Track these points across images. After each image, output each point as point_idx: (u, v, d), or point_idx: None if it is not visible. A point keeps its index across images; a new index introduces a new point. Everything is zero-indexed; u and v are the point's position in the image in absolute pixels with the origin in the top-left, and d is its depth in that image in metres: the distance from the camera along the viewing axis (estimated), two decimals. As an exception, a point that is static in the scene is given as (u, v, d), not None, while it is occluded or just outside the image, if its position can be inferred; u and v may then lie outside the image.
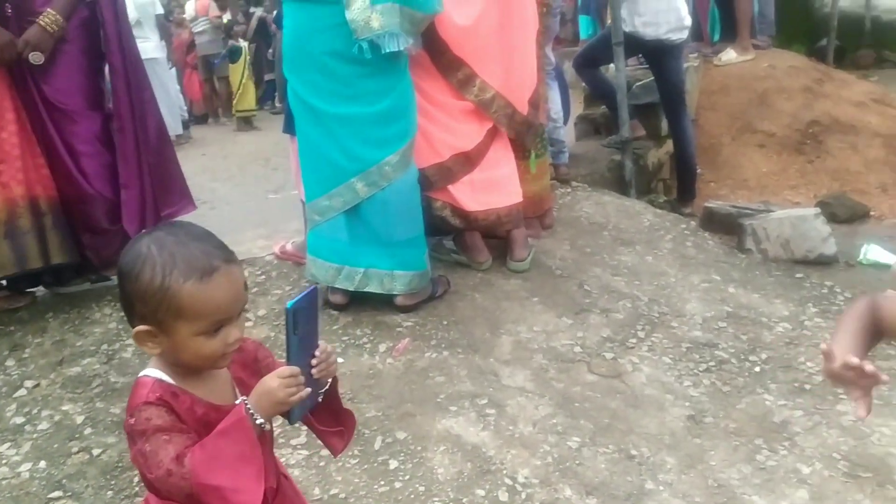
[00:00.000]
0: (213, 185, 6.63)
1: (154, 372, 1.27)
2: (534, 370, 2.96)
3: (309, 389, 1.22)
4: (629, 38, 4.91)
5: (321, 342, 1.28)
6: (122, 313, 1.31)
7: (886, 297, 1.40)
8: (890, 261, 4.45)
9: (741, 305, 3.57)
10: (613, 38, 4.91)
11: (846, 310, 1.44)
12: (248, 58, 11.06)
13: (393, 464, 2.40)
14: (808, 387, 2.97)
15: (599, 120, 6.06)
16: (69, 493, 2.34)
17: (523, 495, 2.31)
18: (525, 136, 3.55)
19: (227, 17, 11.90)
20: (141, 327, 1.23)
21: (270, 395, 1.19)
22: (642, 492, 2.38)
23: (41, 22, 2.99)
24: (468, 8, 3.26)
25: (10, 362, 3.02)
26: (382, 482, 2.33)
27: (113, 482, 2.38)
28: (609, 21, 5.40)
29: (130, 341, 2.99)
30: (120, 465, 2.44)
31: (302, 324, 1.21)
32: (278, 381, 1.19)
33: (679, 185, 5.53)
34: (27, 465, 2.47)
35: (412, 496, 2.28)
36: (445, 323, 3.21)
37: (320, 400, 1.33)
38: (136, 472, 2.02)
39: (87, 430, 2.61)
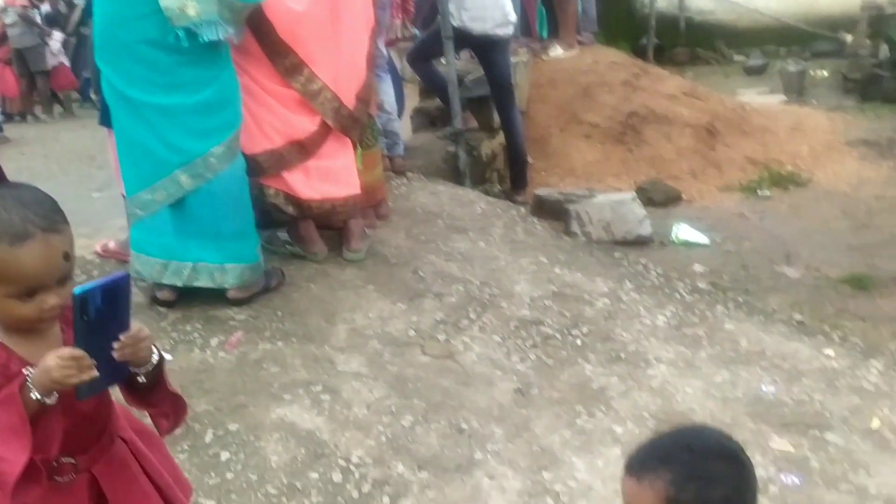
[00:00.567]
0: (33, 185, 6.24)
1: None
2: (368, 355, 3.02)
3: (95, 373, 1.21)
4: (458, 32, 5.07)
5: (137, 325, 1.28)
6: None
7: None
8: (698, 239, 4.87)
9: (565, 284, 3.79)
10: (443, 33, 5.05)
11: None
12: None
13: (224, 455, 2.39)
14: (623, 355, 3.21)
15: (434, 112, 6.18)
16: None
17: (356, 475, 2.37)
18: (351, 131, 3.53)
19: (45, 7, 11.12)
20: None
21: (48, 373, 1.19)
22: (471, 462, 2.50)
23: None
24: (301, -6, 3.22)
25: None
26: (213, 474, 2.31)
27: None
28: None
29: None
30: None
31: (98, 312, 1.20)
32: (56, 360, 1.19)
33: (511, 174, 5.77)
34: None
35: (244, 485, 2.27)
36: (280, 314, 3.20)
37: (141, 381, 1.32)
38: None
39: None
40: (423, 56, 5.53)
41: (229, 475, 2.30)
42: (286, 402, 2.67)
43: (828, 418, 2.84)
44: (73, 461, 1.33)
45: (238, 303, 3.17)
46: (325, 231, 3.73)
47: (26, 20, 10.63)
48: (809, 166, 6.25)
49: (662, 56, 10.36)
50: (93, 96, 10.96)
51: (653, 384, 3.02)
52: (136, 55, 2.83)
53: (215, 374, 2.78)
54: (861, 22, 9.10)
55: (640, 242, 4.71)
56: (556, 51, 7.03)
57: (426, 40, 5.57)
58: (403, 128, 5.50)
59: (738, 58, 11.27)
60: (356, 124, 3.55)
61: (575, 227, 4.72)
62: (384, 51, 4.75)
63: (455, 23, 5.04)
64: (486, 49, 5.23)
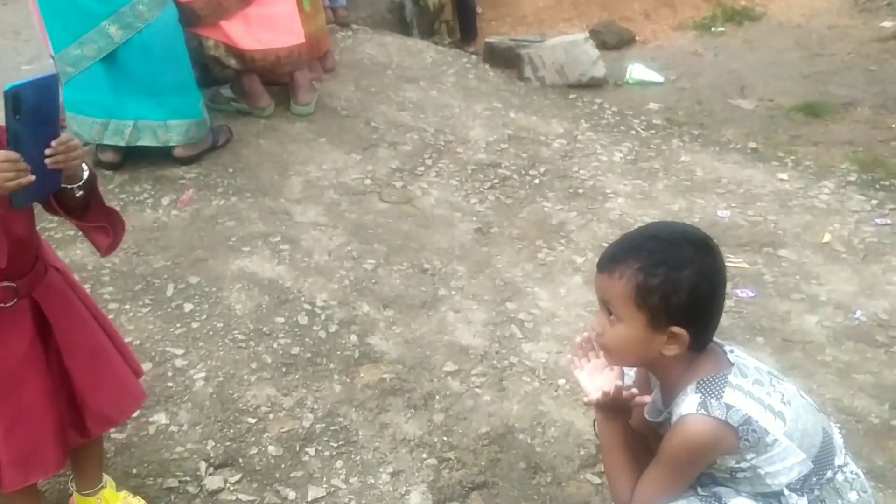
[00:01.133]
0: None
1: None
2: (326, 205, 2.97)
3: (32, 178, 1.19)
4: None
5: (65, 134, 1.25)
6: None
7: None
8: (653, 78, 4.81)
9: (521, 128, 3.74)
10: None
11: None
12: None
13: (188, 307, 2.37)
14: (581, 191, 3.21)
15: (377, -38, 5.88)
16: None
17: (322, 317, 2.38)
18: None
19: None
20: None
21: None
22: (436, 298, 2.52)
23: None
24: None
25: None
26: (178, 325, 2.29)
27: None
28: None
29: None
30: None
31: (29, 111, 1.17)
32: None
33: (460, 25, 5.58)
34: None
35: (210, 333, 2.27)
36: (231, 170, 3.12)
37: (78, 195, 1.32)
38: None
39: None
40: None
41: (195, 325, 2.29)
42: (245, 253, 2.64)
43: (781, 236, 2.91)
44: (13, 285, 1.33)
45: (186, 161, 3.07)
46: (272, 87, 3.59)
47: None
48: (763, 0, 6.14)
49: None
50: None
51: (611, 216, 3.05)
52: None
53: (170, 232, 2.72)
54: None
55: (594, 84, 4.64)
56: None
57: None
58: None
59: None
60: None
61: (528, 72, 4.62)
62: None
63: None
64: None
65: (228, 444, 1.93)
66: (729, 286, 2.61)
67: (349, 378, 2.16)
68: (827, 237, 2.89)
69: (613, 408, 1.38)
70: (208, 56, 3.25)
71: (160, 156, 3.09)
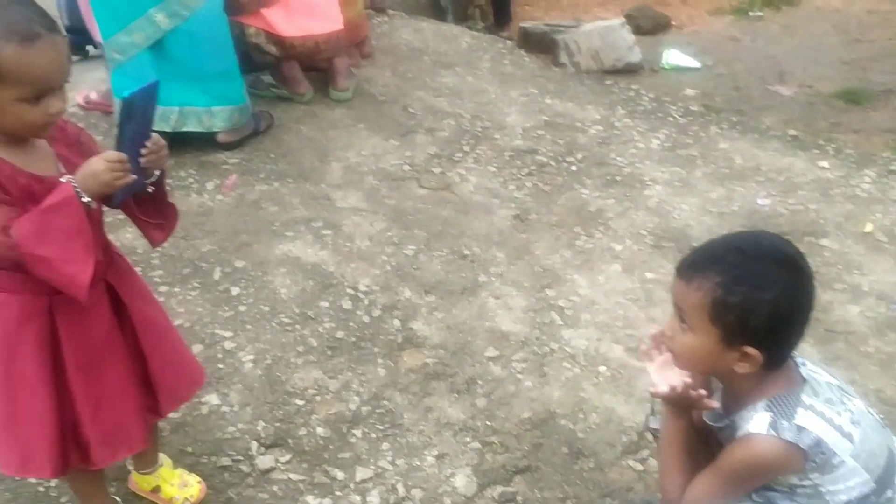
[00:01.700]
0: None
1: None
2: (366, 191, 3.01)
3: (134, 177, 1.26)
4: None
5: (155, 135, 1.32)
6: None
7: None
8: (689, 63, 4.77)
9: (557, 114, 3.74)
10: None
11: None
12: None
13: (235, 290, 2.42)
14: (618, 178, 3.22)
15: (411, -53, 5.87)
16: None
17: (366, 301, 2.42)
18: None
19: None
20: None
21: (97, 177, 1.22)
22: (476, 284, 2.56)
23: None
24: None
25: None
26: (226, 308, 2.35)
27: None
28: None
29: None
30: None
31: (137, 115, 1.24)
32: (104, 163, 1.22)
33: (494, 9, 5.55)
34: None
35: (258, 316, 2.32)
36: (273, 156, 3.16)
37: (150, 191, 1.37)
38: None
39: None
40: None
41: (242, 308, 2.35)
42: (289, 238, 2.69)
43: (822, 225, 2.90)
44: None
45: (229, 147, 3.12)
46: (311, 73, 3.63)
47: None
48: (801, -16, 6.04)
49: None
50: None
51: (649, 204, 3.05)
52: None
53: (215, 217, 2.77)
54: None
55: (630, 70, 4.61)
56: None
57: None
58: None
59: None
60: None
61: (563, 57, 4.61)
62: None
63: None
64: None
65: (278, 424, 1.98)
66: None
67: (393, 362, 2.21)
68: (869, 227, 2.87)
69: (680, 404, 1.37)
70: (249, 43, 3.29)
71: (203, 141, 3.13)
